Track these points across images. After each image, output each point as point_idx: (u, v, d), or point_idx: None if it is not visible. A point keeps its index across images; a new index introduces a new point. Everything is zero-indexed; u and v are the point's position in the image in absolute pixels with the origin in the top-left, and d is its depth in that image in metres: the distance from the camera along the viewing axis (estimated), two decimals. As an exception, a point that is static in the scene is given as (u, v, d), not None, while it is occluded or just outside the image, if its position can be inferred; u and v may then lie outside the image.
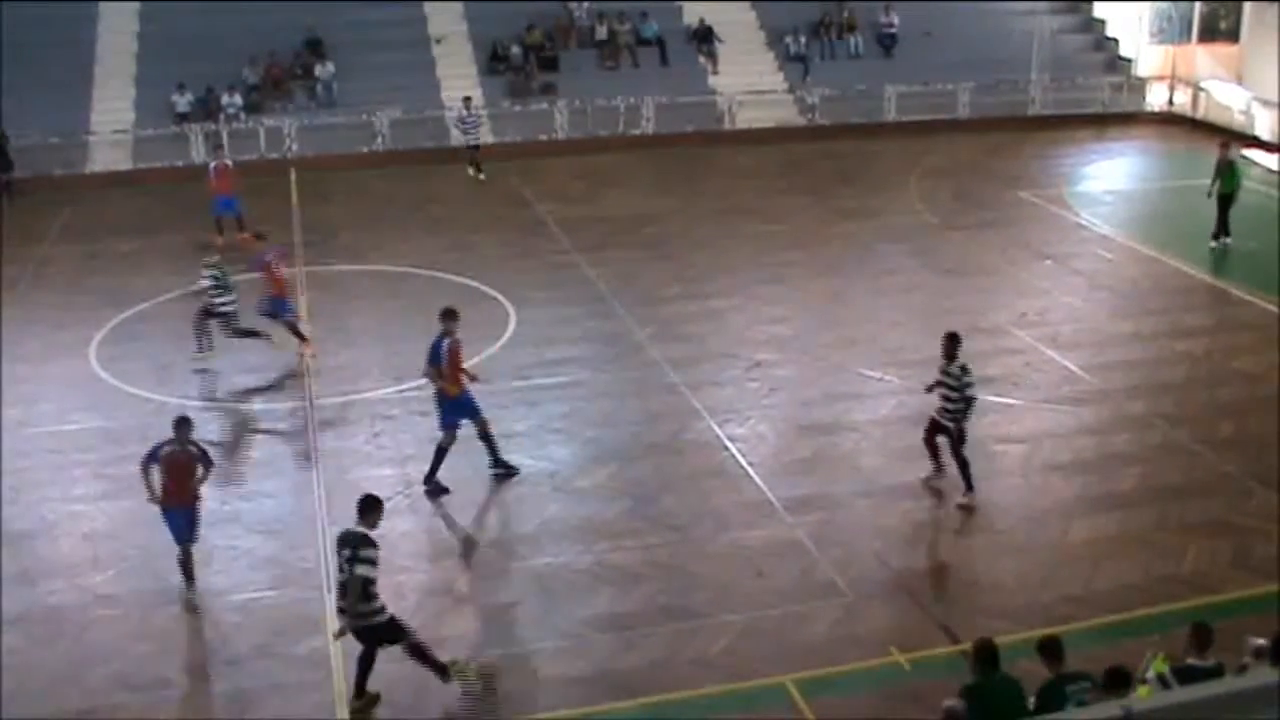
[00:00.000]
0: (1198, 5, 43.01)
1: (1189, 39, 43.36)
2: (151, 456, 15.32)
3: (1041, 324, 24.11)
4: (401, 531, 17.02)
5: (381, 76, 39.02)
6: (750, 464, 18.68)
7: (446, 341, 17.91)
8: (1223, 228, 28.72)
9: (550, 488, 18.03)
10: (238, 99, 37.66)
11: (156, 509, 15.32)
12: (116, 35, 39.41)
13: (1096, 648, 13.94)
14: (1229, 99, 40.83)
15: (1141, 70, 44.07)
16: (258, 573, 16.23)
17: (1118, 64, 44.39)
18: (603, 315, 24.75)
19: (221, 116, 37.28)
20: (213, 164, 30.41)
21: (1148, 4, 44.65)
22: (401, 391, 21.23)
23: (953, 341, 17.39)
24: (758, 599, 15.45)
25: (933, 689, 12.13)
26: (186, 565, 15.52)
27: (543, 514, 17.43)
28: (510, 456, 18.60)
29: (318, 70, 39.17)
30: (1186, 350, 22.84)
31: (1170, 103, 43.08)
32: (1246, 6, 41.59)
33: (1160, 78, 43.72)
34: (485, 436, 18.29)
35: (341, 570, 13.13)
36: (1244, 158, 36.41)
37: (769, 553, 16.37)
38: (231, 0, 39.02)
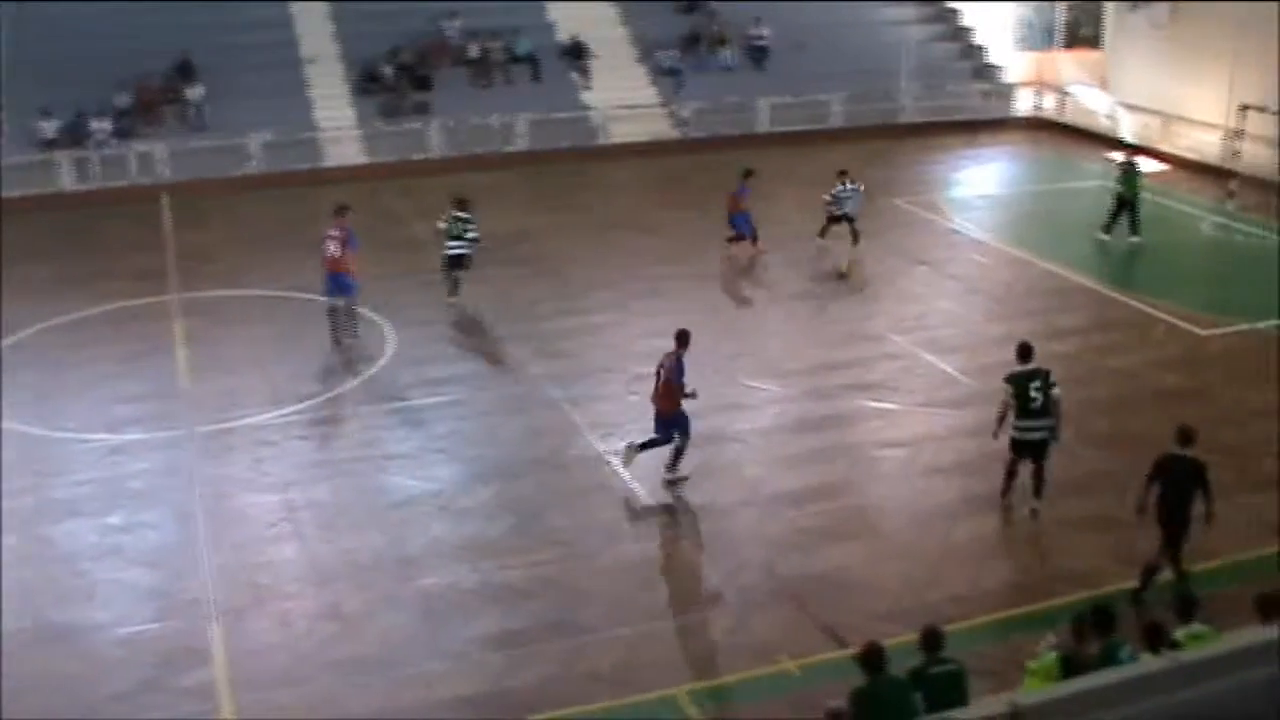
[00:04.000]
0: (1059, 13, 43.90)
1: (1053, 46, 44.26)
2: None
3: (919, 329, 24.41)
4: (286, 557, 16.85)
5: (253, 99, 38.49)
6: (634, 477, 18.68)
7: None
8: (1110, 226, 29.63)
9: (434, 507, 17.89)
10: (107, 124, 36.99)
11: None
12: (-23, 62, 38.54)
13: (984, 645, 14.19)
14: (1094, 104, 41.72)
15: (1009, 77, 44.87)
16: (141, 605, 15.89)
17: (986, 71, 45.15)
18: (481, 333, 24.68)
19: (91, 142, 36.63)
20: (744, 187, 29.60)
21: (1013, 12, 45.51)
22: (282, 416, 20.98)
23: None
24: (647, 612, 15.48)
25: (823, 694, 12.18)
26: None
27: (428, 534, 17.29)
28: (393, 478, 18.48)
29: (188, 93, 38.60)
30: (1061, 350, 23.15)
31: (1038, 108, 43.90)
32: (1108, 15, 42.54)
33: (1027, 83, 44.57)
34: None
35: (1033, 398, 16.86)
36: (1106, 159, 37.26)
37: (657, 565, 16.41)
38: (99, 23, 38.41)
